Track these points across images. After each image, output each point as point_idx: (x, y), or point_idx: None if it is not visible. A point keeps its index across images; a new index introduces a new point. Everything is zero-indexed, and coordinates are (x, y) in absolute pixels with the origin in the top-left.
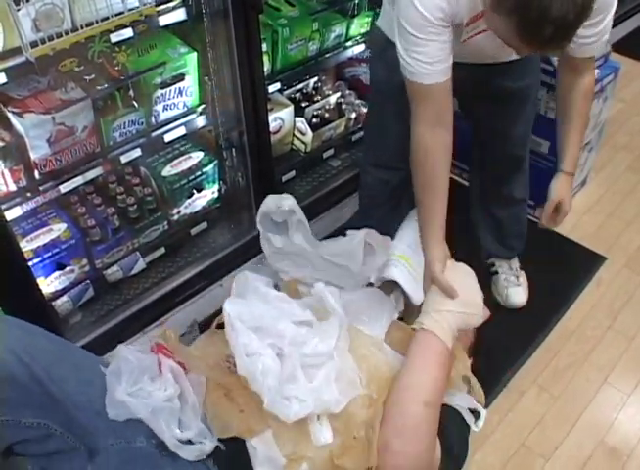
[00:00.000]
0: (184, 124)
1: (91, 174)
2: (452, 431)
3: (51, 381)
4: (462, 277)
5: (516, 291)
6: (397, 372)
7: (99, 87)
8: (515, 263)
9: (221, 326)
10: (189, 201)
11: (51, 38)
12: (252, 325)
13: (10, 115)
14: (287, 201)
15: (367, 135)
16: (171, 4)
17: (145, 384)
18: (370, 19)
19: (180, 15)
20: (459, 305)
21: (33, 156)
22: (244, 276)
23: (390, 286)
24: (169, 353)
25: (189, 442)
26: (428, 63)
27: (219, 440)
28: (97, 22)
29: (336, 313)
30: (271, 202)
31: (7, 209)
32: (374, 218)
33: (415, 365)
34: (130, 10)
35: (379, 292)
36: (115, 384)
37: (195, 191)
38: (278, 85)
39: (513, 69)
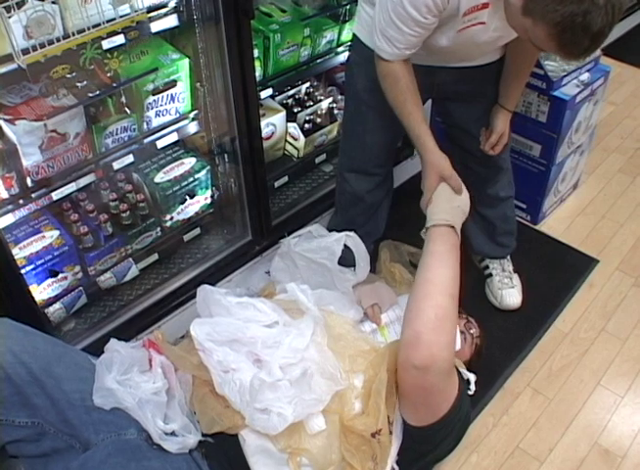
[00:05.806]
0: (176, 131)
1: (83, 181)
2: (465, 394)
3: (49, 380)
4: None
5: (510, 293)
6: (375, 343)
7: (91, 94)
8: (508, 265)
9: None
10: (182, 207)
11: (42, 45)
12: (226, 339)
13: (1, 122)
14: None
15: (345, 142)
16: (163, 10)
17: (134, 375)
18: None
19: (172, 21)
20: (463, 201)
21: (25, 163)
22: (203, 290)
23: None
24: (160, 350)
25: (173, 435)
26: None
27: (208, 435)
28: (88, 28)
29: (310, 311)
30: (317, 230)
31: None
32: (352, 223)
33: (439, 260)
34: (122, 16)
35: (350, 295)
36: (105, 372)
37: (188, 197)
38: (270, 91)
39: (483, 73)
